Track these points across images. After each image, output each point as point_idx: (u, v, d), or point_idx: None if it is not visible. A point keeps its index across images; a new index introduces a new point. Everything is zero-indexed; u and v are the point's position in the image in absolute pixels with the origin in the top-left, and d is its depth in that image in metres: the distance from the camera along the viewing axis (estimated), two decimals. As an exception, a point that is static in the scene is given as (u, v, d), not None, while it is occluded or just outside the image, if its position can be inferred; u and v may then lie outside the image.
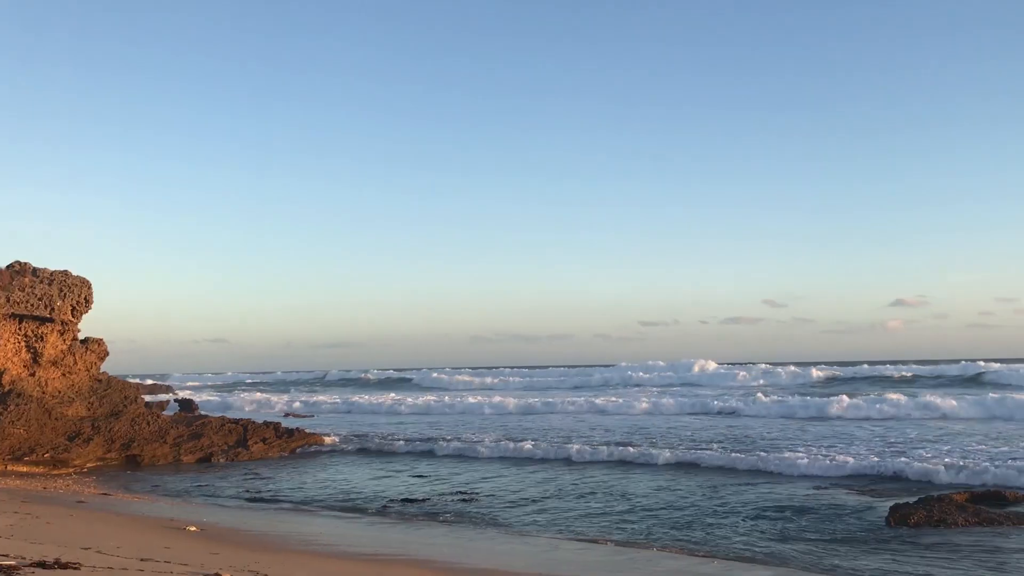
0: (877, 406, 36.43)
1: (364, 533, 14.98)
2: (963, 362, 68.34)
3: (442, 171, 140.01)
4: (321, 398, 57.26)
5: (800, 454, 22.40)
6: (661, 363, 77.04)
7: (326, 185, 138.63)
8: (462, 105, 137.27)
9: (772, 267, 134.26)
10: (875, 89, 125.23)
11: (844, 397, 38.26)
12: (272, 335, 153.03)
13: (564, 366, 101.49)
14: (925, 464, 19.55)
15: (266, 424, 31.03)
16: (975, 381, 57.35)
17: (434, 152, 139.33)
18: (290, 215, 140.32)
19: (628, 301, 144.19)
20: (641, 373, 74.70)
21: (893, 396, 38.72)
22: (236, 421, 30.69)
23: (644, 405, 42.87)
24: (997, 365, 65.40)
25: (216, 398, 57.54)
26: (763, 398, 41.30)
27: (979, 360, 73.40)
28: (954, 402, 36.34)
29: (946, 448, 23.40)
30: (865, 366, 72.18)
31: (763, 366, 71.03)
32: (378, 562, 11.94)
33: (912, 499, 14.95)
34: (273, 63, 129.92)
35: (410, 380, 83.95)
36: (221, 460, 27.23)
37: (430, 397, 51.83)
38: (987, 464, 19.08)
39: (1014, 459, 20.19)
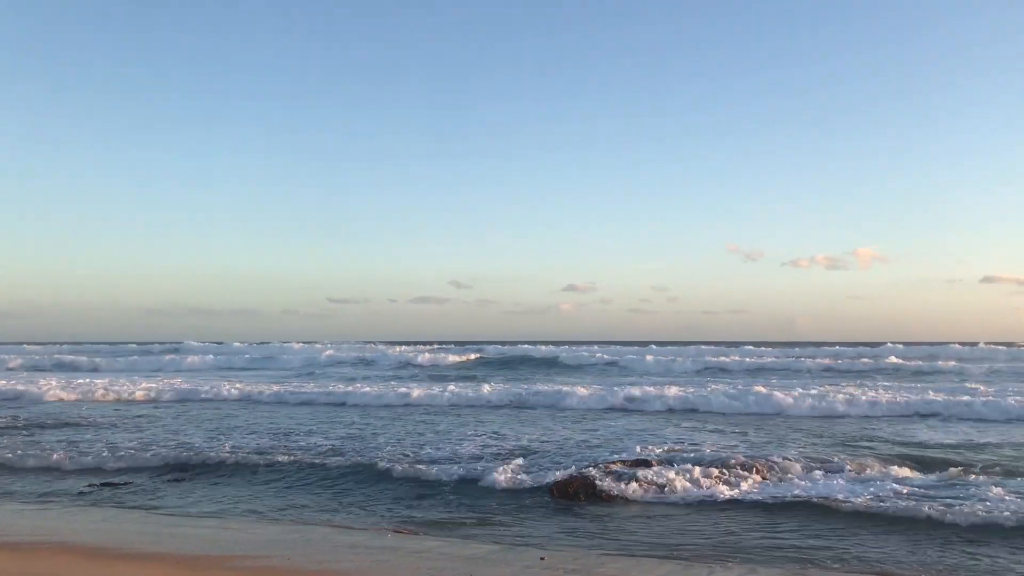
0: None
1: (9, 522, 13.52)
2: (545, 346, 76.19)
3: (109, 135, 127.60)
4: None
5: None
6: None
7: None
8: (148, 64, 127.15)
9: (459, 249, 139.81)
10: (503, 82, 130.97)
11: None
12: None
13: (248, 343, 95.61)
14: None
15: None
16: (551, 364, 61.25)
17: (107, 119, 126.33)
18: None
19: (316, 277, 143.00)
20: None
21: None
22: None
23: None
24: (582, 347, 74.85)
25: None
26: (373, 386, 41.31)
27: (635, 343, 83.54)
28: (488, 388, 36.80)
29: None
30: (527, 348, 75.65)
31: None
32: (21, 550, 10.87)
33: (572, 471, 16.30)
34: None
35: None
36: None
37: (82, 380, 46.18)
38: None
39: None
